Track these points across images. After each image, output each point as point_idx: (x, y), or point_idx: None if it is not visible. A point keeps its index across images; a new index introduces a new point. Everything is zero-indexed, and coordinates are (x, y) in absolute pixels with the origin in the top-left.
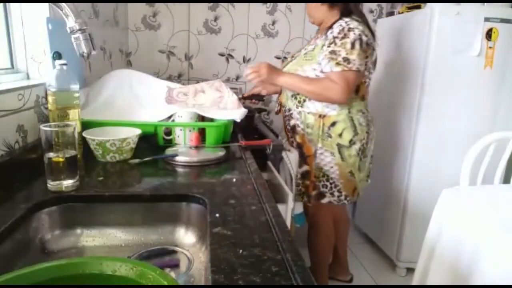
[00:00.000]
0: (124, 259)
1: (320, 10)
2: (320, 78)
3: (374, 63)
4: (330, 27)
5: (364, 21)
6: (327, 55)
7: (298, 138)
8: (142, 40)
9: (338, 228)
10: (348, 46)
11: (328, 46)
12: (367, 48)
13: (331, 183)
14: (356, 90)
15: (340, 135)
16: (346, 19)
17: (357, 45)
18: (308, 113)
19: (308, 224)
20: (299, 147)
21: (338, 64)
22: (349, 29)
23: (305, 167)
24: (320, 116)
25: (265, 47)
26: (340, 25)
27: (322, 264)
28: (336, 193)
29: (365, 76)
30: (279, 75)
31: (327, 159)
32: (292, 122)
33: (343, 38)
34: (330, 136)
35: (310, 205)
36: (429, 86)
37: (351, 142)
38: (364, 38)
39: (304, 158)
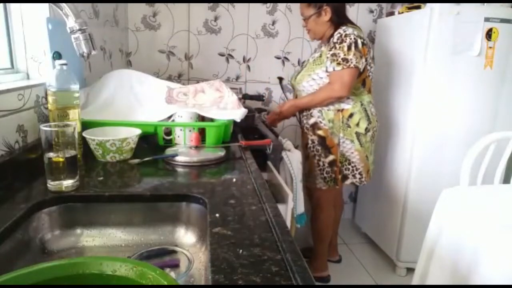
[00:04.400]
0: (124, 259)
1: (324, 26)
2: (319, 89)
3: (373, 58)
4: (331, 36)
5: (356, 26)
6: (329, 58)
7: (321, 133)
8: (142, 40)
9: (335, 212)
10: (345, 48)
11: (330, 50)
12: (363, 48)
13: (352, 167)
14: (363, 84)
15: (357, 124)
16: (344, 27)
17: (352, 47)
18: (328, 110)
19: (312, 206)
20: (322, 140)
21: (338, 64)
22: (346, 35)
23: (331, 157)
24: (338, 110)
25: (265, 47)
26: (339, 33)
27: (324, 242)
28: (357, 175)
29: (368, 70)
30: (297, 107)
31: (348, 146)
32: (312, 120)
33: (341, 43)
34: (349, 126)
35: (317, 189)
36: (429, 86)
37: (367, 130)
38: (359, 41)
39: (328, 149)
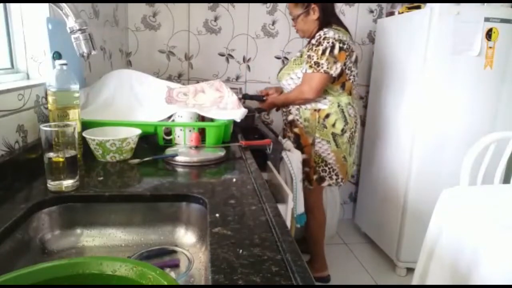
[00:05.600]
0: (124, 259)
1: (313, 24)
2: (293, 89)
3: (355, 62)
4: (313, 36)
5: (343, 28)
6: (306, 59)
7: (297, 131)
8: (142, 40)
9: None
10: (320, 52)
11: (308, 51)
12: (340, 53)
13: (329, 168)
14: (342, 86)
15: (334, 125)
16: (325, 29)
17: (327, 52)
18: (305, 108)
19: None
20: (297, 138)
21: (310, 66)
22: (324, 38)
23: (304, 156)
24: (315, 110)
25: (265, 47)
26: (319, 34)
27: (320, 242)
28: (334, 177)
29: (348, 74)
30: (275, 104)
31: (324, 147)
32: (290, 117)
33: (318, 45)
34: (325, 127)
35: (308, 191)
36: (429, 86)
37: (343, 131)
38: (337, 45)
39: (301, 148)
